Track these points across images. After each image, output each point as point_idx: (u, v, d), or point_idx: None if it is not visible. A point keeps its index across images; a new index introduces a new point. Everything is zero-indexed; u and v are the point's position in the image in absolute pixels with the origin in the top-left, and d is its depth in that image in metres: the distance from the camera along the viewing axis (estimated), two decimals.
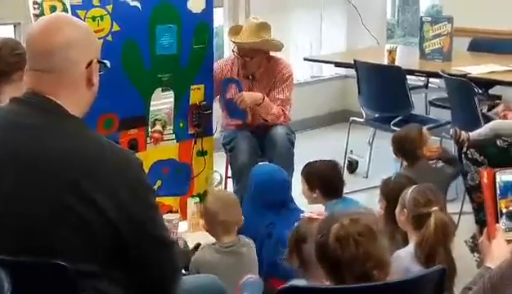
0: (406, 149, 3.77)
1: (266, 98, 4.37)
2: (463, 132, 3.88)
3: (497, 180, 1.58)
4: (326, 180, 3.50)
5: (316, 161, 3.67)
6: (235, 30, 4.49)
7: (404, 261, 2.62)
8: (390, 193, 3.06)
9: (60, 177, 1.69)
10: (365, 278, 1.91)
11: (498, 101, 4.11)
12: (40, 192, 1.69)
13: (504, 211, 1.58)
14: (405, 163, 3.87)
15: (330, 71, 6.73)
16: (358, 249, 1.92)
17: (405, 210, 2.71)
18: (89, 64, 1.88)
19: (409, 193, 2.72)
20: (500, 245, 1.54)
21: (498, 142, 3.80)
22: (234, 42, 4.44)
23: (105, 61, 1.97)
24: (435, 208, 2.55)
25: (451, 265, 2.43)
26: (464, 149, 3.84)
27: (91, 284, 1.69)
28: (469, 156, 3.80)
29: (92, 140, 1.81)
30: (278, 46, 4.45)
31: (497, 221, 1.58)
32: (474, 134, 3.87)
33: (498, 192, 1.58)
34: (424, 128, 3.84)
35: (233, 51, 4.50)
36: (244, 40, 4.34)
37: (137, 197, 1.76)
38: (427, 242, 2.52)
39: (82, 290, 1.68)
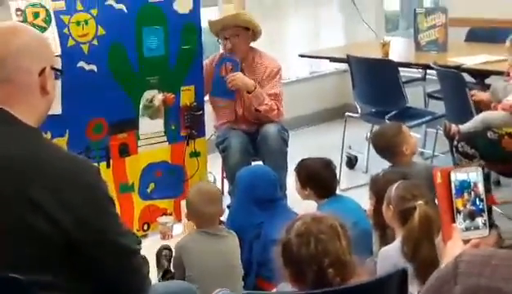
0: (384, 147, 3.71)
1: (258, 87, 4.34)
2: (453, 125, 3.84)
3: (452, 179, 1.54)
4: (318, 178, 3.47)
5: (308, 158, 3.64)
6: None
7: (392, 258, 2.60)
8: (380, 189, 3.03)
9: (11, 187, 1.67)
10: (321, 277, 1.94)
11: (487, 91, 4.06)
12: None
13: (461, 209, 1.55)
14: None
15: (328, 66, 6.69)
16: (317, 246, 1.96)
17: (390, 206, 2.70)
18: (42, 71, 1.84)
19: (393, 189, 2.71)
20: (456, 245, 1.50)
21: (489, 134, 3.76)
22: (218, 22, 4.45)
23: (59, 68, 1.92)
24: (420, 202, 2.54)
25: (435, 259, 2.40)
26: (455, 143, 3.80)
27: None
28: (460, 149, 3.76)
29: (45, 149, 1.78)
30: (259, 28, 4.43)
31: (454, 221, 1.54)
32: (464, 127, 3.83)
33: (454, 191, 1.54)
34: (404, 126, 3.78)
35: (218, 42, 4.52)
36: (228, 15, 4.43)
37: (94, 205, 1.73)
38: (412, 236, 2.50)
39: None
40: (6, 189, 1.67)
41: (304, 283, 1.99)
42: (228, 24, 4.38)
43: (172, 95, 4.05)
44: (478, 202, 1.56)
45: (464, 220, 1.54)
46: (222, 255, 3.07)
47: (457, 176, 1.54)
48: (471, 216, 1.55)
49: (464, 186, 1.55)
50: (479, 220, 1.56)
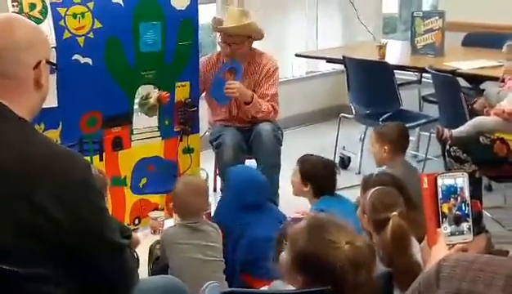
0: None
1: (255, 97, 4.35)
2: (446, 130, 3.85)
3: (439, 183, 1.55)
4: (320, 178, 3.49)
5: (313, 155, 3.68)
6: (219, 21, 4.50)
7: None
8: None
9: (8, 184, 1.67)
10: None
11: (480, 96, 4.08)
12: None
13: (447, 214, 1.56)
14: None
15: (325, 66, 6.69)
16: (366, 275, 1.85)
17: (365, 215, 2.68)
18: (37, 64, 1.84)
19: (368, 197, 2.68)
20: (441, 250, 1.51)
21: (481, 139, 3.77)
22: (219, 30, 4.43)
23: (54, 62, 1.92)
24: (394, 213, 2.49)
25: (411, 268, 2.38)
26: (448, 147, 3.81)
27: (36, 288, 1.68)
28: (452, 153, 3.77)
29: (38, 143, 1.78)
30: (260, 32, 4.44)
31: (439, 226, 1.55)
32: (457, 131, 3.84)
33: (440, 196, 1.55)
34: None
35: (219, 43, 4.50)
36: (229, 25, 4.36)
37: (88, 202, 1.73)
38: (386, 247, 2.48)
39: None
40: (4, 186, 1.66)
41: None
42: (233, 33, 4.36)
43: (167, 94, 4.05)
44: (463, 208, 1.57)
45: (450, 225, 1.56)
46: (201, 247, 3.10)
47: (444, 181, 1.55)
48: (457, 220, 1.56)
49: (451, 191, 1.56)
50: (464, 225, 1.57)
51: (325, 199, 3.46)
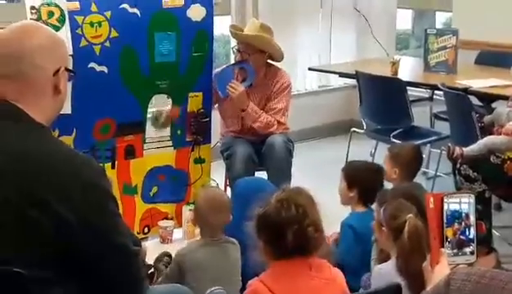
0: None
1: (250, 107, 4.35)
2: (457, 148, 3.85)
3: (445, 207, 1.56)
4: (368, 182, 3.46)
5: (360, 161, 3.71)
6: (238, 28, 4.54)
7: (385, 277, 2.62)
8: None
9: (15, 184, 1.69)
10: (301, 235, 2.20)
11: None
12: None
13: (450, 238, 1.57)
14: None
15: (338, 81, 6.72)
16: (298, 210, 2.23)
17: (383, 228, 2.71)
18: (57, 71, 1.87)
19: (382, 211, 2.75)
20: (444, 270, 1.52)
21: (492, 158, 3.77)
22: (235, 35, 4.45)
23: (73, 70, 1.96)
24: (410, 215, 2.56)
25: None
26: (458, 165, 3.81)
27: (42, 291, 1.69)
28: (462, 172, 3.77)
29: (52, 148, 1.80)
30: (279, 52, 4.46)
31: (442, 246, 1.57)
32: (468, 150, 3.84)
33: (445, 220, 1.57)
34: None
35: (232, 50, 4.52)
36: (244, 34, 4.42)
37: (96, 204, 1.75)
38: (404, 250, 2.52)
39: None
40: (10, 185, 1.69)
41: (282, 244, 2.21)
42: (244, 41, 4.40)
43: (177, 110, 4.09)
44: (467, 232, 1.58)
45: (453, 249, 1.57)
46: (222, 267, 3.06)
47: (449, 205, 1.57)
48: (460, 245, 1.58)
49: (456, 216, 1.57)
50: (467, 250, 1.58)
51: (356, 214, 3.45)
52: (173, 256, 3.21)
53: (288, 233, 2.21)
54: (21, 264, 1.65)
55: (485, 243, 3.66)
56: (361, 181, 3.46)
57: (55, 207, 1.67)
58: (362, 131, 5.21)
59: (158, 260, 3.35)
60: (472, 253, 1.57)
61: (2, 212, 1.68)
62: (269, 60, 4.51)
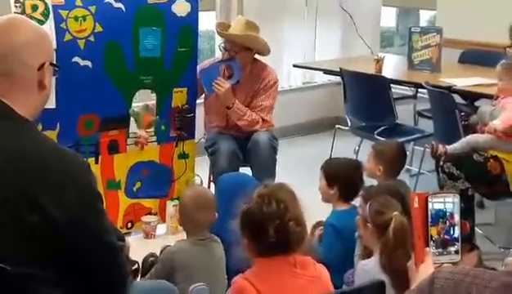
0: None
1: (235, 106, 4.34)
2: (440, 146, 3.87)
3: (429, 207, 1.57)
4: (348, 178, 3.46)
5: (338, 158, 3.70)
6: (224, 26, 4.52)
7: (369, 273, 2.63)
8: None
9: (8, 184, 1.69)
10: (283, 230, 2.21)
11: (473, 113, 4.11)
12: None
13: (435, 238, 1.58)
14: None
15: (322, 78, 6.72)
16: (279, 205, 2.25)
17: (368, 224, 2.72)
18: (41, 66, 1.86)
19: (367, 207, 2.75)
20: (429, 268, 1.53)
21: (475, 156, 3.80)
22: (222, 34, 4.44)
23: (57, 64, 1.94)
24: (395, 212, 2.58)
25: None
26: (441, 163, 3.83)
27: (31, 288, 1.69)
28: (446, 170, 3.79)
29: (41, 146, 1.80)
30: (265, 48, 4.45)
31: (427, 245, 1.57)
32: (451, 148, 3.86)
33: (430, 219, 1.57)
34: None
35: (219, 47, 4.52)
36: (232, 33, 4.39)
37: (87, 204, 1.75)
38: (387, 246, 2.53)
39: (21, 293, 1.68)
40: (9, 184, 1.68)
41: (264, 240, 2.23)
42: (232, 41, 4.38)
43: (154, 118, 4.10)
44: (452, 232, 1.59)
45: (437, 248, 1.58)
46: (210, 266, 3.04)
47: (434, 205, 1.57)
48: (444, 244, 1.58)
49: (440, 216, 1.57)
50: (452, 249, 1.59)
51: (336, 212, 3.44)
52: (159, 253, 3.19)
53: (269, 228, 2.23)
54: (20, 263, 1.65)
55: (467, 241, 3.68)
56: (341, 178, 3.46)
57: (49, 206, 1.67)
58: (347, 128, 5.23)
59: (145, 261, 3.33)
60: (457, 252, 1.58)
61: (1, 211, 1.67)
62: (256, 55, 4.50)
